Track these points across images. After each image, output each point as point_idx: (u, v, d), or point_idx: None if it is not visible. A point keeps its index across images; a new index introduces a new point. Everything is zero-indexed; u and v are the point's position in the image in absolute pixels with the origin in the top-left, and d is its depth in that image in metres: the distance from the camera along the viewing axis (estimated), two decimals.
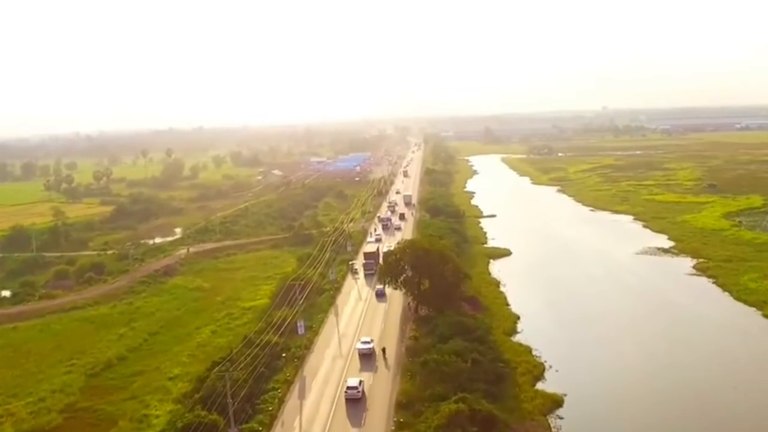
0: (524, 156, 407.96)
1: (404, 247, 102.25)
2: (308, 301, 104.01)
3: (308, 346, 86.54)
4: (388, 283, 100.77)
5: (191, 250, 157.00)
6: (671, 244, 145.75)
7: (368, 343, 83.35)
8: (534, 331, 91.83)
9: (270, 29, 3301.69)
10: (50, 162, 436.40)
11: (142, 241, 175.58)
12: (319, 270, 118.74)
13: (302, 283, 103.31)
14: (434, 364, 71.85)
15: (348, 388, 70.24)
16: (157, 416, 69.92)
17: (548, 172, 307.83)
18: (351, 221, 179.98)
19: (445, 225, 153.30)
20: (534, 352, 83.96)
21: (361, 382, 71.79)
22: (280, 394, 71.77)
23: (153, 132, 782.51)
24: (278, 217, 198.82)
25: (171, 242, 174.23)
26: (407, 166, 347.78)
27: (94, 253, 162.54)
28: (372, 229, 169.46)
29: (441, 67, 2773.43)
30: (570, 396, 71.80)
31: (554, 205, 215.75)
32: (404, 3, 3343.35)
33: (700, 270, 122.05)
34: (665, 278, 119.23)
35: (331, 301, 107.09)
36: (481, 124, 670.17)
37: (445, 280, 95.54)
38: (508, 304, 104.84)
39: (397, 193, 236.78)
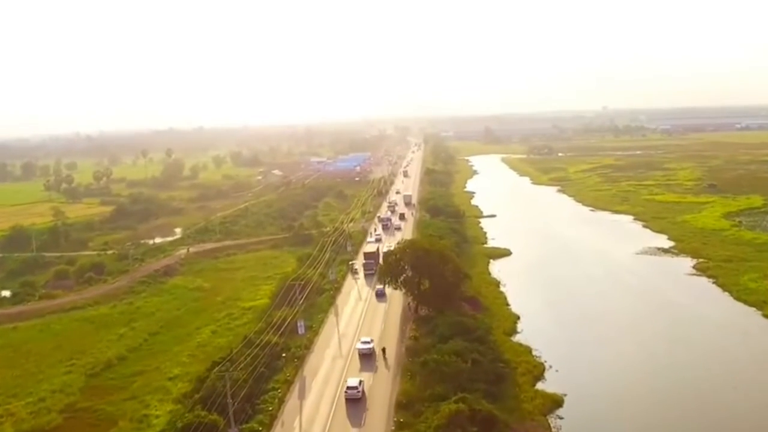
0: (524, 156, 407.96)
1: (404, 247, 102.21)
2: (308, 301, 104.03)
3: (308, 346, 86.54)
4: (388, 283, 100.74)
5: (191, 250, 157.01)
6: (671, 244, 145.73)
7: (368, 343, 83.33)
8: (534, 331, 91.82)
9: (270, 29, 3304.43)
10: (50, 162, 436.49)
11: (142, 241, 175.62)
12: (319, 270, 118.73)
13: (302, 283, 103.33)
14: (434, 364, 71.84)
15: (348, 388, 70.24)
16: (157, 416, 69.94)
17: (548, 172, 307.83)
18: (351, 221, 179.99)
19: (445, 225, 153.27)
20: (534, 352, 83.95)
21: (361, 382, 71.80)
22: (280, 394, 71.77)
23: (153, 132, 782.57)
24: (278, 217, 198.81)
25: (171, 242, 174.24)
26: (407, 166, 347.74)
27: (94, 253, 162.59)
28: (372, 229, 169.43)
29: (441, 67, 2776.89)
30: (570, 396, 71.79)
31: (554, 205, 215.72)
32: (404, 3, 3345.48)
33: (700, 270, 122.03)
34: (665, 278, 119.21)
35: (331, 301, 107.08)
36: (481, 124, 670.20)
37: (445, 280, 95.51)
38: (508, 304, 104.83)
39: (397, 193, 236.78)
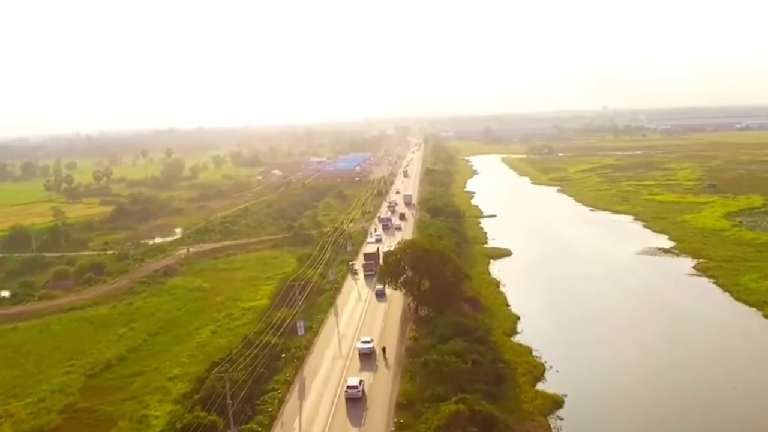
0: (524, 156, 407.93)
1: (404, 248, 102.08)
2: (308, 302, 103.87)
3: (308, 347, 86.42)
4: (388, 284, 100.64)
5: (191, 250, 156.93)
6: (671, 244, 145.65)
7: (368, 342, 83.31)
8: (534, 332, 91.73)
9: (270, 29, 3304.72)
10: (50, 162, 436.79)
11: (142, 242, 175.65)
12: (319, 270, 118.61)
13: (302, 283, 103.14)
14: (434, 364, 71.74)
15: (348, 387, 70.30)
16: (157, 417, 69.85)
17: (548, 172, 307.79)
18: (351, 221, 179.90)
19: (445, 225, 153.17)
20: (534, 353, 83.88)
21: (361, 381, 71.84)
22: (279, 395, 71.65)
23: (153, 132, 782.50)
24: (278, 217, 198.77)
25: (171, 242, 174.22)
26: (407, 166, 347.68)
27: (94, 253, 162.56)
28: (372, 230, 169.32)
29: (441, 67, 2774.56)
30: (570, 396, 71.71)
31: (554, 205, 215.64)
32: (404, 3, 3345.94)
33: (701, 270, 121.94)
34: (665, 278, 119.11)
35: (331, 301, 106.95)
36: (481, 124, 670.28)
37: (445, 281, 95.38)
38: (508, 305, 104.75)
39: (397, 193, 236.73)
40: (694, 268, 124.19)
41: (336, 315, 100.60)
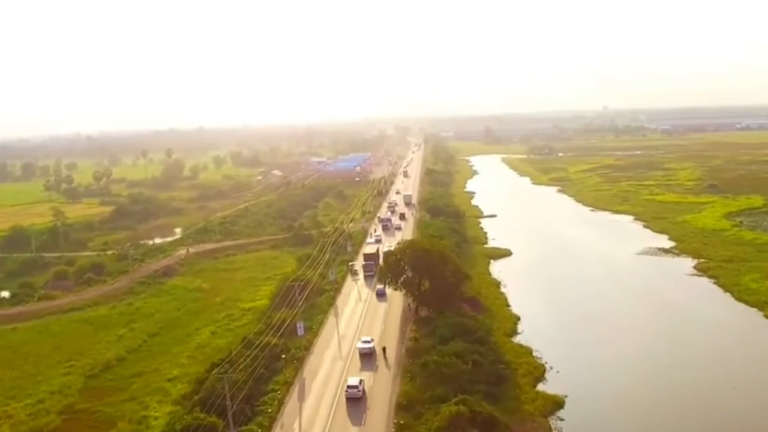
0: (524, 156, 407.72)
1: (404, 248, 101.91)
2: (308, 302, 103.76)
3: (308, 348, 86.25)
4: (388, 284, 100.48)
5: (191, 250, 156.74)
6: (672, 244, 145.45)
7: (369, 342, 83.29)
8: (535, 332, 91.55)
9: (271, 29, 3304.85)
10: (50, 162, 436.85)
11: (142, 242, 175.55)
12: (318, 271, 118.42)
13: (302, 283, 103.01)
14: (434, 365, 71.59)
15: (348, 387, 70.33)
16: (156, 418, 69.67)
17: (548, 172, 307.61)
18: (351, 221, 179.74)
19: (446, 225, 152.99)
20: (535, 353, 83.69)
21: (361, 381, 71.86)
22: (279, 396, 71.50)
23: (153, 132, 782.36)
24: (278, 218, 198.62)
25: (171, 243, 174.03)
26: (407, 166, 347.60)
27: (94, 253, 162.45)
28: (372, 230, 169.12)
29: (441, 67, 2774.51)
30: (571, 397, 71.54)
31: (554, 206, 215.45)
32: (404, 3, 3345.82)
33: (701, 270, 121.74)
34: (666, 278, 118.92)
35: (331, 302, 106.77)
36: (481, 124, 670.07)
37: (446, 281, 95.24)
38: (508, 305, 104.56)
39: (397, 193, 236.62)
40: (695, 268, 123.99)
41: (336, 315, 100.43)
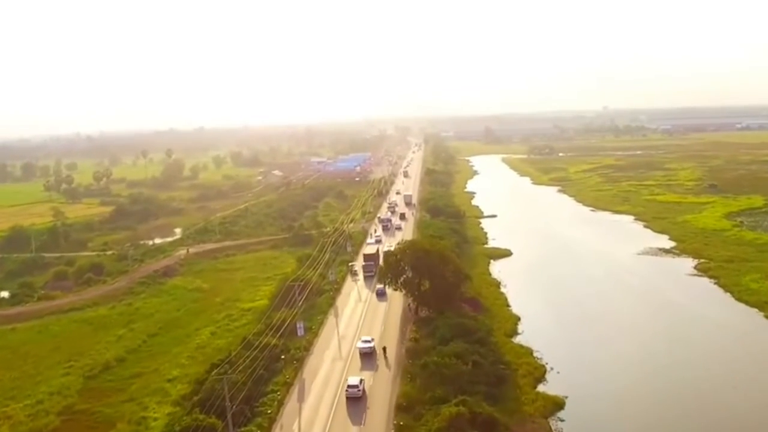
0: (525, 156, 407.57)
1: (404, 248, 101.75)
2: (308, 303, 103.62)
3: (307, 348, 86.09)
4: (388, 284, 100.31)
5: (191, 250, 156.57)
6: (672, 244, 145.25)
7: (369, 342, 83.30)
8: (535, 333, 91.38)
9: (270, 29, 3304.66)
10: (50, 162, 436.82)
11: (142, 242, 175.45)
12: (318, 271, 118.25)
13: (302, 284, 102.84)
14: (434, 366, 71.42)
15: (349, 386, 70.38)
16: (156, 419, 69.50)
17: (549, 172, 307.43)
18: (351, 222, 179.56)
19: (446, 225, 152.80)
20: (535, 354, 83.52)
21: (361, 380, 71.89)
22: (279, 397, 71.35)
23: (153, 132, 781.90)
24: (278, 218, 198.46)
25: (170, 243, 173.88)
26: (407, 166, 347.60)
27: (94, 253, 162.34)
28: (372, 230, 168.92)
29: (441, 67, 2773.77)
30: (571, 397, 71.36)
31: (555, 206, 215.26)
32: (404, 3, 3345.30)
33: (702, 270, 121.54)
34: (666, 279, 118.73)
35: (331, 302, 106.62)
36: (481, 124, 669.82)
37: (446, 281, 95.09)
38: (508, 305, 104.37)
39: (398, 193, 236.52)
40: (695, 268, 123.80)
41: (336, 316, 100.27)
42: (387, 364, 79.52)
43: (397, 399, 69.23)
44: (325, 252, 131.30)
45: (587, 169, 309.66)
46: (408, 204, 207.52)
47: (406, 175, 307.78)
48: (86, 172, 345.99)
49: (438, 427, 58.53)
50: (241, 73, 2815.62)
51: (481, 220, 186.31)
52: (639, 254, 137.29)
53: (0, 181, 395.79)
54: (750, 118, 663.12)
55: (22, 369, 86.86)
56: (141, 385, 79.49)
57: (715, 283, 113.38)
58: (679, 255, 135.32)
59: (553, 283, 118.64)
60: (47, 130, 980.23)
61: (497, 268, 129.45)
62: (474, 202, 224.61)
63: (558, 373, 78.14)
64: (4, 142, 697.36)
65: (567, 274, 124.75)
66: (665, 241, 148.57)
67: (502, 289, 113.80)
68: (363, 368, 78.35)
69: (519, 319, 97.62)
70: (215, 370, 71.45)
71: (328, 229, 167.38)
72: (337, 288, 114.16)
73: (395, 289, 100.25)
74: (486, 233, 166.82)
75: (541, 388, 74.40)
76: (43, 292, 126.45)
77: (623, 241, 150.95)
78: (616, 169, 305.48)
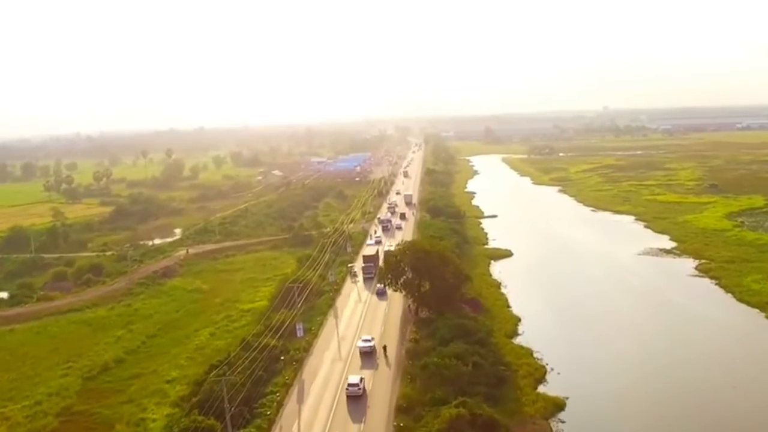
0: (525, 156, 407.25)
1: (404, 249, 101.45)
2: (307, 303, 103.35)
3: (307, 349, 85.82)
4: (388, 285, 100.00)
5: (190, 251, 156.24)
6: (673, 244, 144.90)
7: (369, 341, 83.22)
8: (535, 333, 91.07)
9: (270, 29, 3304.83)
10: (50, 162, 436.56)
11: (142, 242, 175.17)
12: (318, 272, 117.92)
13: (301, 284, 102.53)
14: (435, 367, 71.15)
15: (349, 385, 70.41)
16: (154, 420, 69.25)
17: (549, 172, 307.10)
18: (351, 222, 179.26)
19: (446, 225, 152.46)
20: (535, 355, 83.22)
21: (362, 379, 71.83)
22: (278, 398, 71.09)
23: (153, 132, 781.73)
24: (278, 218, 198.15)
25: (170, 243, 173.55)
26: (407, 166, 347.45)
27: (93, 254, 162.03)
28: (372, 231, 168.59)
29: (441, 67, 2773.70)
30: (572, 398, 71.08)
31: (555, 206, 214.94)
32: (404, 3, 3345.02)
33: (703, 271, 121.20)
34: (667, 279, 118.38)
35: (331, 303, 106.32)
36: (481, 124, 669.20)
37: (446, 282, 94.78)
38: (509, 306, 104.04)
39: (398, 193, 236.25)
40: (696, 268, 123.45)
41: (335, 317, 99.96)
42: (387, 363, 79.44)
43: (397, 400, 68.99)
44: (325, 252, 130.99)
45: (587, 169, 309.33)
46: (408, 204, 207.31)
47: (406, 175, 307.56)
48: (86, 172, 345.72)
49: (438, 429, 58.28)
50: (241, 73, 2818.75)
51: (482, 221, 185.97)
52: (640, 254, 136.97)
53: (0, 181, 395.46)
54: (750, 117, 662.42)
55: (20, 370, 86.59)
56: (140, 387, 79.21)
57: (716, 284, 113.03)
58: (679, 255, 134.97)
59: (553, 284, 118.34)
60: (47, 130, 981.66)
61: (497, 269, 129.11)
62: (474, 202, 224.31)
63: (558, 373, 77.84)
64: (4, 142, 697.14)
65: (567, 274, 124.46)
66: (666, 242, 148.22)
67: (503, 290, 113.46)
68: (363, 367, 78.32)
69: (519, 319, 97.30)
70: (214, 372, 71.18)
71: (328, 229, 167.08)
72: (336, 289, 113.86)
73: (395, 290, 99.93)
74: (486, 233, 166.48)
75: (541, 389, 74.10)
76: (42, 292, 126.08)
77: (624, 241, 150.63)
78: (616, 169, 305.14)
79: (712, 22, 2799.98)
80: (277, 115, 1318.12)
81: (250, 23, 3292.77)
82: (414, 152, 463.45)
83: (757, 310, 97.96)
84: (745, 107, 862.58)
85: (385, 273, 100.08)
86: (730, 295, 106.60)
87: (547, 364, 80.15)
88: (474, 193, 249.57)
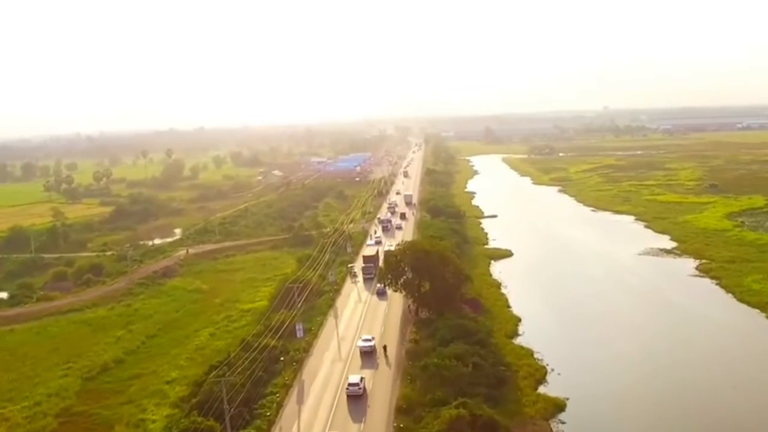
0: (525, 156, 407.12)
1: (404, 249, 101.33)
2: (307, 304, 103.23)
3: (307, 350, 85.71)
4: (388, 285, 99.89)
5: (190, 251, 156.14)
6: (673, 244, 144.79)
7: (369, 340, 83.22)
8: (536, 334, 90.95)
9: (270, 29, 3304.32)
10: (50, 163, 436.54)
11: (141, 242, 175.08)
12: (318, 272, 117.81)
13: (301, 285, 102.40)
14: (435, 368, 71.00)
15: (349, 384, 70.41)
16: (154, 421, 69.15)
17: (549, 172, 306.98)
18: (351, 222, 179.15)
19: (446, 226, 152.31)
20: (536, 355, 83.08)
21: (362, 378, 71.85)
22: (278, 399, 70.98)
23: (153, 132, 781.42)
24: (278, 218, 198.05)
25: (170, 243, 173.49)
26: (408, 166, 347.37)
27: (93, 254, 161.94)
28: (372, 231, 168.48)
29: (441, 67, 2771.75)
30: (572, 399, 70.95)
31: (555, 206, 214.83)
32: (404, 3, 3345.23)
33: (703, 271, 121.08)
34: (668, 279, 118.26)
35: (331, 303, 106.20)
36: (481, 124, 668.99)
37: (446, 282, 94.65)
38: (509, 306, 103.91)
39: (398, 193, 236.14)
40: (697, 269, 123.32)
41: (335, 317, 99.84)
42: (387, 363, 79.37)
43: (397, 401, 68.88)
44: (325, 252, 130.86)
45: (587, 169, 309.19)
46: (408, 204, 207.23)
47: (406, 175, 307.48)
48: (86, 172, 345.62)
49: (438, 430, 58.15)
50: (241, 73, 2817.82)
51: (482, 221, 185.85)
52: (640, 255, 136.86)
53: (0, 181, 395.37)
54: (750, 117, 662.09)
55: (20, 370, 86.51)
56: (139, 387, 79.13)
57: (716, 284, 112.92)
58: (680, 255, 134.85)
59: (553, 284, 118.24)
60: (47, 130, 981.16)
61: (498, 269, 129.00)
62: (474, 202, 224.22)
63: (559, 374, 77.72)
64: (4, 142, 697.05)
65: (568, 274, 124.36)
66: (666, 242, 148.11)
67: (503, 290, 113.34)
68: (363, 367, 78.30)
69: (520, 320, 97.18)
70: (214, 372, 71.07)
71: (328, 229, 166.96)
72: (336, 289, 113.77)
73: (395, 290, 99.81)
74: (486, 233, 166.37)
75: (541, 389, 73.97)
76: (42, 293, 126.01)
77: (624, 241, 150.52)
78: (616, 169, 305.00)
79: (712, 22, 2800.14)
80: (277, 115, 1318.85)
81: (250, 23, 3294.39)
82: (414, 152, 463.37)
83: (758, 311, 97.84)
84: (745, 107, 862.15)
85: (385, 273, 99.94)
86: (730, 295, 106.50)
87: (547, 365, 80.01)
88: (474, 193, 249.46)
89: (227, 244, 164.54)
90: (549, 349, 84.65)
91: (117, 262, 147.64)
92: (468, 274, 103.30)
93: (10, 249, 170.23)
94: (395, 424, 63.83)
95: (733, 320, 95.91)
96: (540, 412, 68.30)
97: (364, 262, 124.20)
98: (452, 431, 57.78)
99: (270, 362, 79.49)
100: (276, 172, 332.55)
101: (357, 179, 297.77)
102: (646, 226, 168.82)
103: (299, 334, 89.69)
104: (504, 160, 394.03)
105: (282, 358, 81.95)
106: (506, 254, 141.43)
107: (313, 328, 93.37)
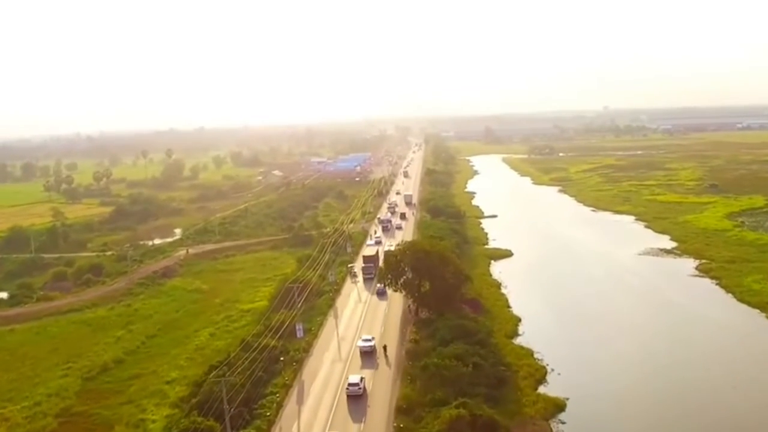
0: (525, 156, 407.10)
1: (404, 249, 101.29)
2: (307, 304, 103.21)
3: (307, 350, 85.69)
4: (388, 285, 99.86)
5: (190, 251, 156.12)
6: (674, 244, 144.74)
7: (369, 340, 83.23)
8: (536, 334, 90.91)
9: (270, 29, 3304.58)
10: (50, 163, 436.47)
11: (141, 242, 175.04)
12: (318, 272, 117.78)
13: (301, 285, 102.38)
14: (435, 368, 70.98)
15: (349, 384, 70.41)
16: (154, 421, 69.14)
17: (549, 172, 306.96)
18: (351, 222, 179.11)
19: (446, 226, 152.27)
20: (536, 355, 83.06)
21: (362, 378, 71.84)
22: (278, 399, 70.96)
23: (154, 132, 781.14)
24: (278, 218, 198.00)
25: (170, 243, 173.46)
26: (408, 166, 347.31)
27: (93, 254, 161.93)
28: (372, 231, 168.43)
29: (441, 67, 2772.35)
30: (572, 399, 70.93)
31: (555, 206, 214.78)
32: (404, 3, 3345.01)
33: (703, 271, 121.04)
34: (668, 279, 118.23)
35: (331, 303, 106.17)
36: (481, 124, 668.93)
37: (446, 282, 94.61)
38: (509, 306, 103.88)
39: (398, 194, 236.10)
40: (697, 269, 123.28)
41: (335, 317, 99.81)
42: (387, 363, 79.35)
43: (397, 401, 68.87)
44: (325, 253, 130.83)
45: (588, 169, 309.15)
46: (408, 204, 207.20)
47: (406, 175, 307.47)
48: (86, 173, 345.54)
49: (438, 430, 58.15)
50: (241, 73, 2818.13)
51: (482, 221, 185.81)
52: (640, 255, 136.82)
53: (0, 181, 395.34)
54: (750, 117, 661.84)
55: (20, 370, 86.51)
56: (139, 387, 79.11)
57: (716, 284, 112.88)
58: (680, 255, 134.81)
59: (554, 284, 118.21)
60: (47, 130, 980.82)
61: (498, 269, 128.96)
62: (474, 202, 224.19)
63: (559, 374, 77.69)
64: (4, 142, 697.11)
65: (568, 274, 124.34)
66: (666, 242, 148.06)
67: (503, 290, 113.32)
68: (363, 366, 78.29)
69: (520, 320, 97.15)
70: (214, 372, 71.06)
71: (328, 229, 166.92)
72: (336, 289, 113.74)
73: (395, 290, 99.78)
74: (486, 233, 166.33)
75: (541, 389, 73.95)
76: (42, 293, 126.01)
77: (624, 241, 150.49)
78: (616, 169, 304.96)
79: (712, 22, 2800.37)
80: (277, 115, 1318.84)
81: (250, 23, 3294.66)
82: (414, 152, 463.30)
83: (758, 311, 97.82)
84: (745, 107, 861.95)
85: (385, 273, 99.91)
86: (730, 295, 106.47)
87: (547, 365, 79.99)
88: (474, 193, 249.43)
89: (227, 244, 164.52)
90: (549, 349, 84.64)
91: (117, 262, 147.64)
92: (468, 274, 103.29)
93: (10, 249, 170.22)
94: (395, 424, 63.82)
95: (733, 320, 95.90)
96: (540, 412, 68.28)
97: (364, 262, 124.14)
98: (452, 431, 57.74)
99: (270, 362, 79.47)
100: (276, 172, 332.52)
101: (357, 179, 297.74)
102: (646, 226, 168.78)
103: (299, 334, 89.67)
104: (504, 160, 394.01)
105: (282, 358, 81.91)
106: (506, 254, 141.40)
107: (313, 328, 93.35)
